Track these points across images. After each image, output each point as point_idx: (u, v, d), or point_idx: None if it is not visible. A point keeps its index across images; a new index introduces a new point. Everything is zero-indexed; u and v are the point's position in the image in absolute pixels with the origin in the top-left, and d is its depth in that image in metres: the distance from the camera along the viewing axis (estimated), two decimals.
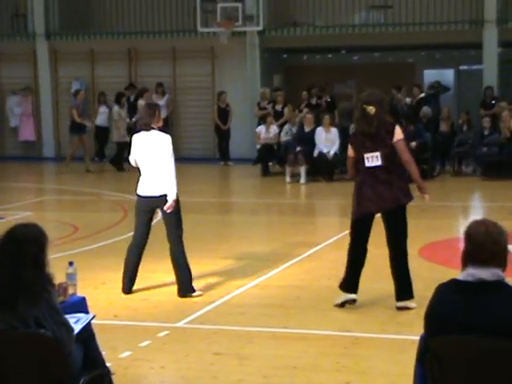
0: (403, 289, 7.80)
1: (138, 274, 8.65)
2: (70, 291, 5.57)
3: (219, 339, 7.09)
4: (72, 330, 4.71)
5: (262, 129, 19.25)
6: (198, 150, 22.23)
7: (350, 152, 7.95)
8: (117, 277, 9.32)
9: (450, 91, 21.70)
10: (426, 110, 18.87)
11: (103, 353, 5.31)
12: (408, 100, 19.75)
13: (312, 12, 21.72)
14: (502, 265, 4.19)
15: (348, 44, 21.65)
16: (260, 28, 20.83)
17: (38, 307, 4.56)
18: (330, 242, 11.17)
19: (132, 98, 21.29)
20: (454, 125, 19.11)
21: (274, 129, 19.12)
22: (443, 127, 18.89)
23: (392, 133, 7.65)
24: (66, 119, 23.14)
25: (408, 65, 23.46)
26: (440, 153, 18.44)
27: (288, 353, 6.68)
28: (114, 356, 6.39)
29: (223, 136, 21.05)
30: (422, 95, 19.84)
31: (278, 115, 19.74)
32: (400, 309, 7.79)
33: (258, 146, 19.11)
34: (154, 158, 8.34)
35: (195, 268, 8.68)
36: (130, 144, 8.82)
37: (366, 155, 7.73)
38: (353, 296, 7.88)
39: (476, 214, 13.59)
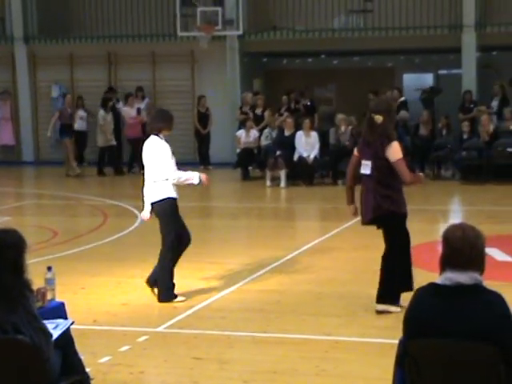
0: (384, 292, 7.81)
1: (127, 278, 8.62)
2: (49, 296, 5.55)
3: (199, 344, 7.08)
4: (50, 335, 4.69)
5: (242, 133, 19.27)
6: (178, 154, 21.67)
7: (354, 157, 7.98)
8: (96, 281, 9.31)
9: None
10: (403, 113, 18.93)
11: (82, 358, 5.29)
12: None
13: (292, 16, 21.76)
14: (480, 268, 4.21)
15: (328, 48, 21.69)
16: (240, 32, 20.83)
17: (16, 313, 4.54)
18: (310, 246, 11.19)
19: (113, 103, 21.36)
20: (433, 129, 19.19)
21: (253, 133, 19.14)
22: (422, 131, 18.98)
23: (385, 147, 7.64)
24: (46, 123, 23.09)
25: (387, 69, 23.55)
26: (419, 156, 18.51)
27: (268, 357, 6.69)
28: (93, 361, 6.37)
29: (203, 140, 21.06)
30: (403, 99, 19.93)
31: (258, 119, 19.77)
32: (379, 312, 7.81)
33: (238, 150, 19.13)
34: (147, 163, 8.45)
35: (175, 272, 8.65)
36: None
37: (363, 161, 7.83)
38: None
39: (455, 218, 13.68)
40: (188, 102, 21.89)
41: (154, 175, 8.37)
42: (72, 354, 5.08)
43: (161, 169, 8.32)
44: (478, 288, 4.16)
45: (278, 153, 17.87)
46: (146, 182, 8.53)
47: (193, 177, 8.47)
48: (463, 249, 4.15)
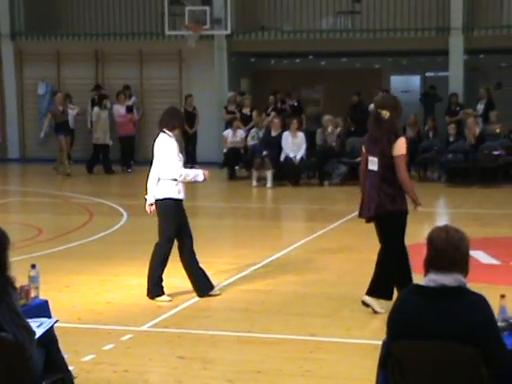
0: (375, 286, 7.78)
1: (111, 277, 8.60)
2: (33, 294, 5.52)
3: (183, 343, 7.08)
4: (33, 333, 4.68)
5: (228, 133, 19.27)
6: None
7: (363, 155, 7.98)
8: (81, 280, 9.29)
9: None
10: None
11: (66, 356, 5.28)
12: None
13: (280, 17, 21.77)
14: (464, 270, 4.22)
15: (315, 49, 21.72)
16: (228, 32, 20.82)
17: None
18: (296, 246, 11.20)
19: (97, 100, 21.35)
20: (420, 131, 19.24)
21: (240, 133, 19.15)
22: (409, 133, 19.02)
23: (392, 144, 7.63)
24: (32, 120, 23.06)
25: (375, 70, 23.61)
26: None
27: (252, 357, 6.69)
28: (76, 359, 6.35)
29: (190, 139, 21.01)
30: None
31: (245, 119, 19.77)
32: (364, 303, 7.81)
33: (225, 150, 19.12)
34: (156, 160, 8.47)
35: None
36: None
37: (370, 158, 7.80)
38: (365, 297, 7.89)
39: (440, 220, 13.71)
40: (175, 101, 21.80)
41: (161, 173, 8.40)
42: (55, 352, 5.07)
43: (167, 167, 8.34)
44: (461, 290, 4.17)
45: (264, 153, 17.87)
46: (150, 177, 8.50)
47: (198, 174, 8.48)
48: (447, 251, 4.16)
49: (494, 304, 4.38)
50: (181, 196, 8.41)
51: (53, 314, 5.59)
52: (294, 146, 17.95)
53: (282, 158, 17.90)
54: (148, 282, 8.46)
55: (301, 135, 18.11)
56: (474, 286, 4.35)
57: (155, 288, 8.40)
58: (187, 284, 8.62)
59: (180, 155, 8.42)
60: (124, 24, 22.41)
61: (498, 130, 18.44)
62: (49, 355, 4.95)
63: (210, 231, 12.84)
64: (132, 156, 20.80)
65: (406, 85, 23.64)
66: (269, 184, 17.69)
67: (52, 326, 5.10)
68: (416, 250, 10.68)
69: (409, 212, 7.80)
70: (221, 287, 8.88)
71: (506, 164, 17.59)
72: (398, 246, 7.79)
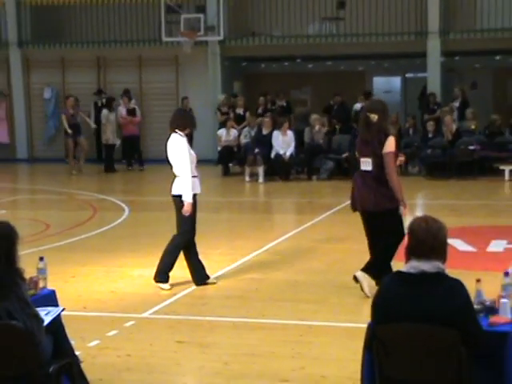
0: (370, 266, 7.73)
1: (114, 268, 8.56)
2: (41, 285, 5.51)
3: (182, 328, 7.07)
4: (42, 321, 4.67)
5: (222, 132, 19.27)
6: (164, 152, 22.02)
7: (358, 158, 7.96)
8: (86, 271, 9.28)
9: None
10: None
11: (72, 342, 5.27)
12: (358, 105, 19.82)
13: (269, 23, 21.74)
14: (442, 257, 4.23)
15: (303, 53, 21.71)
16: (221, 38, 20.82)
17: (9, 300, 4.51)
18: (287, 237, 11.19)
19: (99, 103, 21.28)
20: (400, 128, 19.25)
21: (234, 132, 19.17)
22: (391, 130, 18.99)
23: (383, 143, 7.63)
24: (39, 123, 23.04)
25: (358, 73, 23.62)
26: None
27: (247, 341, 6.69)
28: (82, 345, 6.34)
29: None
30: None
31: (239, 118, 19.80)
32: (355, 278, 7.79)
33: (219, 148, 19.13)
34: (170, 159, 8.47)
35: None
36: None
37: (361, 159, 7.78)
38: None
39: (421, 211, 13.72)
40: (172, 103, 21.79)
41: (175, 170, 8.40)
42: (62, 338, 5.06)
43: (179, 165, 8.33)
44: (440, 275, 4.18)
45: (256, 150, 17.87)
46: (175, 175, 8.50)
47: (191, 194, 8.32)
48: (427, 239, 4.17)
49: (471, 288, 4.39)
50: (196, 191, 8.38)
51: (60, 302, 5.58)
52: (283, 143, 17.94)
53: (273, 155, 17.90)
54: (158, 266, 8.44)
55: (290, 134, 18.11)
56: (452, 271, 4.36)
57: (162, 275, 8.38)
58: (186, 274, 8.61)
59: (192, 152, 8.41)
60: (124, 32, 22.37)
61: (473, 127, 18.46)
62: (56, 341, 4.95)
63: (206, 224, 12.81)
64: (139, 155, 20.68)
65: (387, 86, 23.66)
66: (260, 179, 17.70)
67: (59, 314, 5.09)
68: None
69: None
70: (217, 276, 8.87)
71: (481, 158, 17.60)
72: (400, 236, 7.65)
